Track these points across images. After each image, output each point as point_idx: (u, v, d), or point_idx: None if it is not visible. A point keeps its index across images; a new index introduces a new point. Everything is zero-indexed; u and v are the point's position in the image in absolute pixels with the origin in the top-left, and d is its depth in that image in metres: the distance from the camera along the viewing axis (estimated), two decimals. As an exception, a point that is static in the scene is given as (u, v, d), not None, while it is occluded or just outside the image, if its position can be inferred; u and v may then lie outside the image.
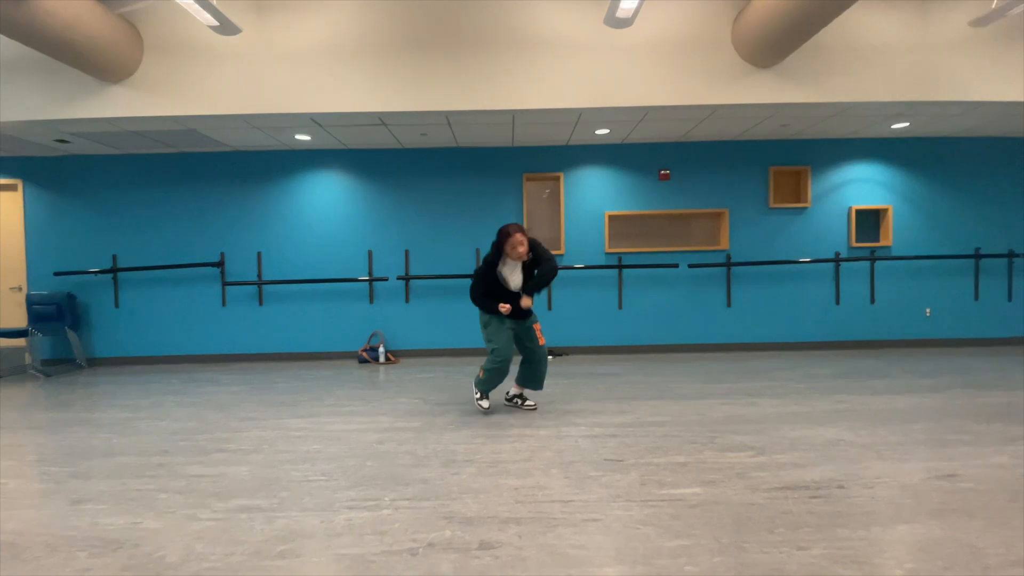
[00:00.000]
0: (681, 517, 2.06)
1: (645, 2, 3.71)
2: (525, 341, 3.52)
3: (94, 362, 6.05)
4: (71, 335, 5.84)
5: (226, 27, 3.82)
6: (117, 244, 5.99)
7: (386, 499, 2.27)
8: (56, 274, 5.88)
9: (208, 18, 3.66)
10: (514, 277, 3.47)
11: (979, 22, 4.21)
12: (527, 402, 3.73)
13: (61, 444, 3.17)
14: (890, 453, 2.73)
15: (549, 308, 6.01)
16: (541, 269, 3.40)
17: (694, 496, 2.24)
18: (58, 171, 5.99)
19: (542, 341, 3.55)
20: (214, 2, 3.65)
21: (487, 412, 3.60)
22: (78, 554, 1.89)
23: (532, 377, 3.61)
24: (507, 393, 3.79)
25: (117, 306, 6.02)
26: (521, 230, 3.39)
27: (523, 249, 3.36)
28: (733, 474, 2.47)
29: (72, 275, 5.94)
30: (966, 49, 4.49)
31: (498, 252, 3.41)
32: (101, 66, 4.24)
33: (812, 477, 2.42)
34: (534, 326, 3.54)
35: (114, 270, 5.95)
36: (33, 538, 2.02)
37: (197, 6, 3.54)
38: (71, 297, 5.86)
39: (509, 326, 3.49)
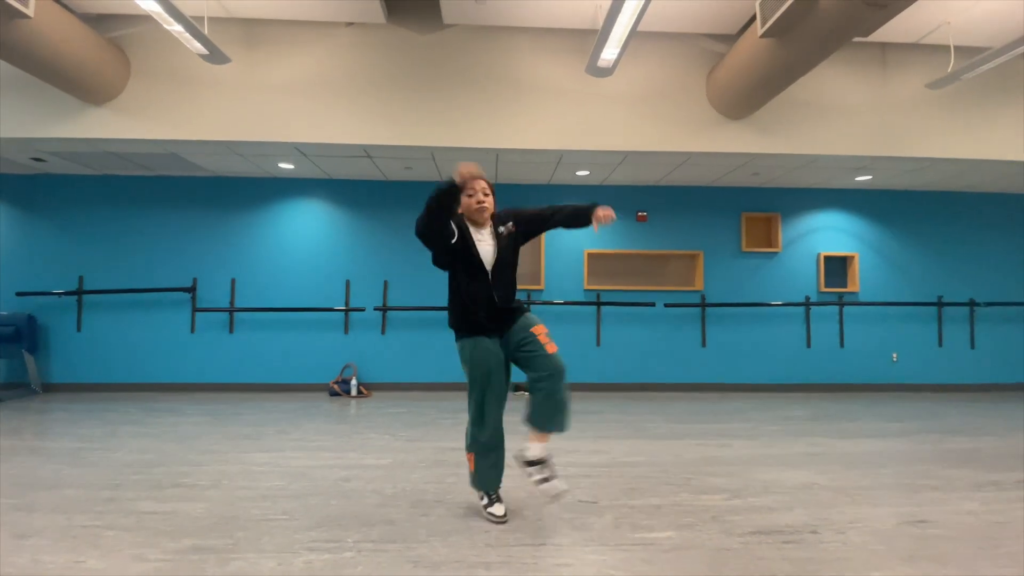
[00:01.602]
0: (654, 562, 2.01)
1: (625, 54, 3.88)
2: (526, 358, 2.28)
3: (50, 388, 5.76)
4: (28, 359, 5.57)
5: (216, 56, 3.87)
6: (84, 266, 5.82)
7: (349, 540, 2.17)
8: (18, 294, 5.66)
9: (199, 47, 3.71)
10: (482, 246, 2.33)
11: (935, 84, 4.51)
12: (546, 481, 2.26)
13: (6, 474, 2.97)
14: (862, 498, 2.73)
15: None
16: (565, 211, 2.40)
17: (667, 540, 2.19)
18: (29, 189, 5.86)
19: (552, 348, 2.27)
20: (205, 32, 3.71)
21: (502, 520, 2.31)
22: (9, 598, 1.75)
23: (544, 409, 2.24)
24: (524, 453, 2.35)
25: (79, 330, 5.79)
26: (484, 176, 2.34)
27: (486, 204, 2.32)
28: (708, 517, 2.44)
29: (34, 296, 5.72)
30: (922, 109, 4.80)
31: (449, 205, 2.22)
32: (86, 88, 4.23)
33: (786, 521, 2.41)
34: (532, 330, 2.29)
35: (79, 292, 5.76)
36: (-40, 579, 1.86)
37: (189, 35, 3.59)
38: (31, 319, 5.62)
39: (497, 357, 2.30)
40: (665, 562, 2.01)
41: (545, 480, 2.26)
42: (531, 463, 2.27)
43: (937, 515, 2.51)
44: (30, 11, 3.46)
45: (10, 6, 3.35)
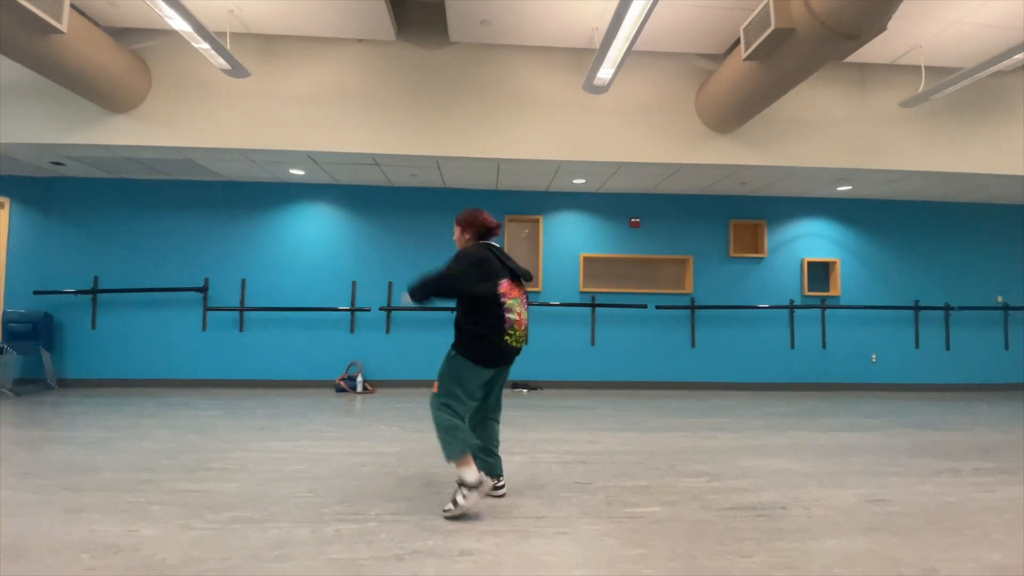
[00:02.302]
0: (641, 531, 2.29)
1: (619, 72, 4.17)
2: (493, 389, 2.61)
3: (64, 383, 5.97)
4: (44, 355, 5.79)
5: (237, 71, 4.13)
6: (100, 266, 6.05)
7: (371, 513, 2.44)
8: (36, 293, 5.88)
9: (222, 63, 3.97)
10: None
11: (907, 103, 4.84)
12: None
13: (44, 460, 3.21)
14: (830, 481, 3.03)
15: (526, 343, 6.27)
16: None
17: (654, 514, 2.48)
18: (47, 191, 6.08)
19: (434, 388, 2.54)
20: (228, 47, 3.97)
21: (475, 487, 2.35)
22: (81, 556, 2.00)
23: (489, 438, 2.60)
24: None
25: (94, 327, 6.01)
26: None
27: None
28: (690, 496, 2.72)
29: (51, 294, 5.94)
30: (898, 125, 5.13)
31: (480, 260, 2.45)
32: (110, 97, 4.48)
33: (759, 499, 2.69)
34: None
35: (94, 291, 5.98)
36: (33, 542, 2.11)
37: (213, 52, 3.85)
38: (48, 316, 5.84)
39: (488, 379, 2.52)
40: (650, 531, 2.29)
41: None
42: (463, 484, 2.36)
43: (895, 496, 2.81)
44: (63, 27, 3.70)
45: (45, 23, 3.60)
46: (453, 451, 2.35)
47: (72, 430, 4.01)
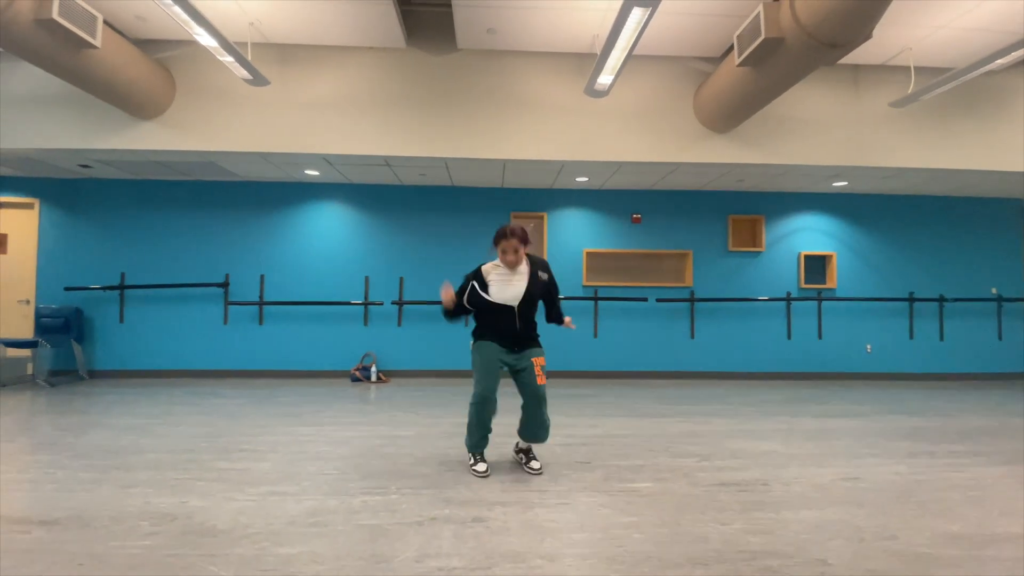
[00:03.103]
0: (634, 503, 2.56)
1: (619, 77, 4.38)
2: (522, 377, 2.92)
3: (94, 374, 6.32)
4: (76, 347, 6.13)
5: (258, 80, 4.39)
6: (126, 263, 6.37)
7: (393, 487, 2.73)
8: (67, 289, 6.21)
9: (244, 73, 4.22)
10: (511, 288, 2.88)
11: (897, 104, 5.01)
12: (531, 462, 3.02)
13: (91, 443, 3.53)
14: (811, 461, 3.29)
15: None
16: (556, 308, 3.12)
17: (646, 489, 2.75)
18: (74, 192, 6.39)
19: (541, 380, 2.89)
20: (249, 58, 4.22)
21: (483, 476, 2.88)
22: (140, 523, 2.30)
23: (526, 425, 2.95)
24: (516, 444, 3.17)
25: (122, 321, 6.35)
26: (520, 235, 2.86)
27: (512, 259, 2.87)
28: (680, 474, 2.99)
29: (81, 290, 6.27)
30: (891, 123, 5.31)
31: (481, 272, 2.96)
32: (138, 104, 4.75)
33: (743, 477, 2.96)
34: (534, 360, 2.90)
35: (121, 287, 6.31)
36: (96, 512, 2.41)
37: (235, 63, 4.11)
38: (79, 311, 6.18)
39: (499, 356, 2.89)
40: (642, 503, 2.56)
41: (520, 458, 3.11)
42: (517, 451, 3.14)
43: (869, 474, 3.06)
44: (97, 42, 3.97)
45: (81, 39, 3.87)
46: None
47: (111, 417, 4.34)
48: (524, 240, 2.88)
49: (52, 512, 2.40)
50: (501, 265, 2.93)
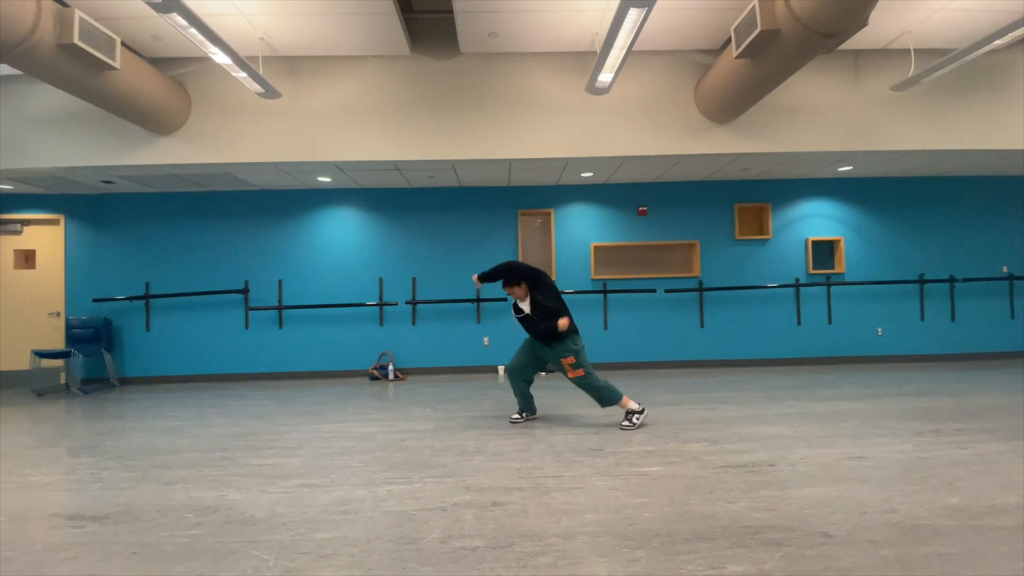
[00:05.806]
0: (645, 485, 2.69)
1: (619, 73, 4.48)
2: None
3: (124, 381, 6.59)
4: (106, 356, 6.39)
5: (270, 93, 4.56)
6: (149, 273, 6.61)
7: (416, 477, 2.89)
8: (95, 300, 6.47)
9: (257, 87, 4.39)
10: (526, 304, 3.98)
11: (898, 87, 5.04)
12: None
13: (131, 445, 3.74)
14: (817, 443, 3.39)
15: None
16: (541, 325, 3.85)
17: (656, 472, 2.88)
18: (97, 207, 6.64)
19: (572, 374, 3.83)
20: (260, 72, 4.39)
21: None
22: (186, 515, 2.48)
23: (594, 399, 3.94)
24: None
25: (148, 329, 6.60)
26: (508, 282, 3.87)
27: (514, 294, 3.96)
28: (689, 458, 3.12)
29: (108, 301, 6.52)
30: (892, 107, 5.33)
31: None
32: (157, 121, 4.95)
33: (750, 459, 3.07)
34: (562, 361, 3.82)
35: (146, 297, 6.55)
36: (143, 507, 2.60)
37: (248, 78, 4.28)
38: (107, 321, 6.44)
39: (532, 345, 4.00)
40: (652, 485, 2.69)
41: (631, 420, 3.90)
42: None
43: (874, 453, 3.16)
44: (117, 63, 4.16)
45: (102, 61, 4.06)
46: (616, 396, 3.85)
47: (145, 420, 4.56)
48: (510, 284, 3.92)
49: (102, 508, 2.59)
50: None
